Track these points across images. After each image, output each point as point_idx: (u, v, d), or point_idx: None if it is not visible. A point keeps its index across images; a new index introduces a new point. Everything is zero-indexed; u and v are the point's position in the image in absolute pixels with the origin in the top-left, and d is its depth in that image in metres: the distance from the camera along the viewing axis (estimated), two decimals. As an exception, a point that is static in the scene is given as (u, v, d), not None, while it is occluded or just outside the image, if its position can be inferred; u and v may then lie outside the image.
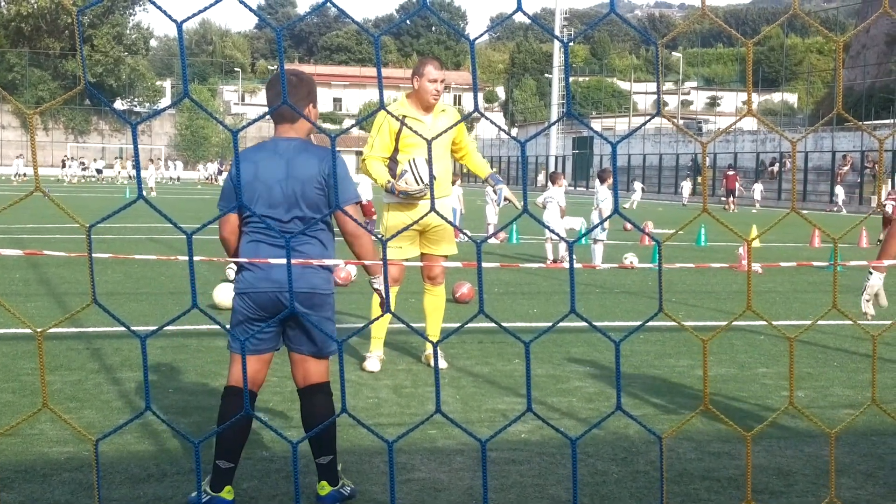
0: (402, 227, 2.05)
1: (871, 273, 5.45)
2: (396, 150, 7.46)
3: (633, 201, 46.60)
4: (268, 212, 4.45)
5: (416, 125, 7.39)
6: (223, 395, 4.56)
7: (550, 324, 2.16)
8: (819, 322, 10.00)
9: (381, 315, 2.09)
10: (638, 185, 49.05)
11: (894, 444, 5.72)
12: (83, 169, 73.74)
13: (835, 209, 45.76)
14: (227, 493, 4.39)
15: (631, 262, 15.79)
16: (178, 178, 78.40)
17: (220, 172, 74.36)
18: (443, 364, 7.70)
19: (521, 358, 8.13)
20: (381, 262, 4.85)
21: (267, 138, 4.61)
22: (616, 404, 2.08)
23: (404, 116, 7.44)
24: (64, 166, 73.05)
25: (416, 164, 7.25)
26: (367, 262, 4.78)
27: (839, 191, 47.07)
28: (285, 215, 4.48)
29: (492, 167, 9.22)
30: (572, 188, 60.81)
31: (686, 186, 52.09)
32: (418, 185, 7.27)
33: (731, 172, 47.56)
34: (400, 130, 7.38)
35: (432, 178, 2.16)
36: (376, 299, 7.84)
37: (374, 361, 7.57)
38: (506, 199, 7.78)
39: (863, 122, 55.59)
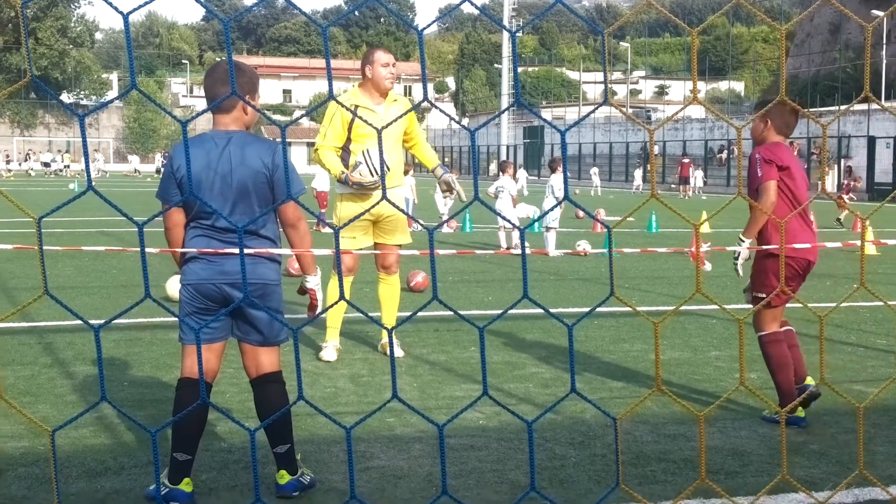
0: (355, 216, 2.05)
1: (742, 241, 6.04)
2: (349, 139, 7.44)
3: (596, 186, 46.83)
4: (214, 204, 4.40)
5: (368, 115, 7.37)
6: (177, 386, 4.53)
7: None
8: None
9: (335, 304, 2.09)
10: (595, 171, 49.27)
11: (846, 424, 5.82)
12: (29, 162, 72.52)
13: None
14: (185, 484, 4.37)
15: (584, 249, 15.88)
16: (137, 171, 77.39)
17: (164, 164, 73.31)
18: (399, 352, 7.71)
19: (477, 345, 8.16)
20: (314, 259, 4.84)
21: (206, 132, 4.54)
22: (570, 387, 2.10)
23: (356, 106, 7.42)
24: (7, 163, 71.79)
25: (370, 155, 7.23)
26: (302, 259, 4.74)
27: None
28: (233, 208, 4.43)
29: (443, 158, 9.24)
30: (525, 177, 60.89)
31: (638, 174, 52.34)
32: (373, 176, 7.25)
33: (685, 160, 47.99)
34: (353, 120, 7.35)
35: (384, 167, 2.17)
36: (332, 287, 7.82)
37: (330, 351, 7.56)
38: (446, 184, 7.70)
39: (808, 109, 56.27)
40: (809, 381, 5.96)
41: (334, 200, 7.81)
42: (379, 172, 7.25)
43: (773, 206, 5.78)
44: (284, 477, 4.48)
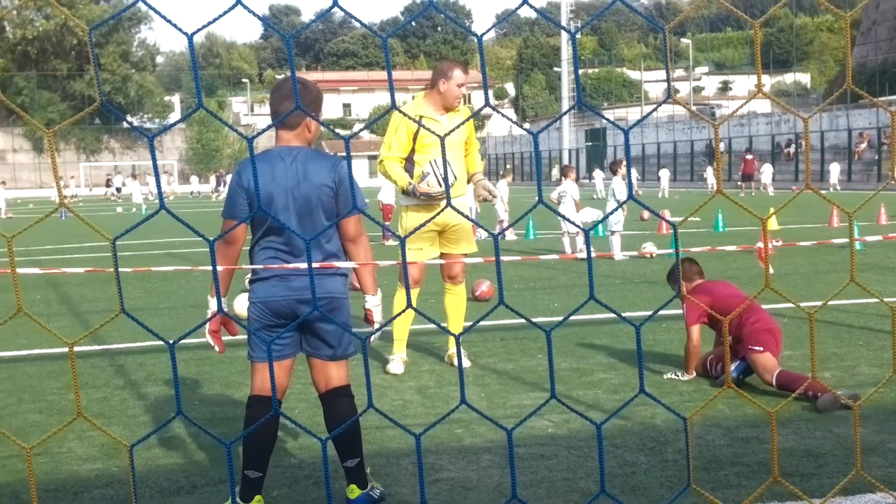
0: (420, 225, 2.04)
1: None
2: (413, 150, 7.44)
3: (663, 189, 46.39)
4: (283, 220, 4.43)
5: (433, 125, 7.36)
6: (248, 404, 4.56)
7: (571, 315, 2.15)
8: (843, 301, 9.95)
9: (401, 313, 2.09)
10: (665, 173, 48.71)
11: (924, 420, 5.68)
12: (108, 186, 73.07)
13: (830, 188, 45.19)
14: (257, 501, 4.40)
15: (650, 251, 15.75)
16: (194, 192, 78.32)
17: (219, 184, 73.38)
18: (466, 362, 7.69)
19: (545, 353, 8.12)
20: (375, 277, 4.82)
21: (271, 148, 4.57)
22: (639, 387, 2.06)
23: (421, 117, 7.42)
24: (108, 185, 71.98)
25: (437, 165, 7.21)
26: (363, 276, 4.70)
27: (833, 168, 46.35)
28: (299, 223, 4.46)
29: (504, 165, 9.23)
30: (586, 180, 60.60)
31: (711, 172, 51.27)
32: (440, 186, 7.24)
33: (749, 157, 47.34)
34: (418, 131, 7.35)
35: (447, 177, 2.15)
36: (398, 299, 7.81)
37: (397, 364, 7.56)
38: (484, 188, 7.69)
39: (877, 98, 55.29)
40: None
41: (399, 213, 7.82)
42: (448, 182, 7.22)
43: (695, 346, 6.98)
44: (355, 491, 4.49)
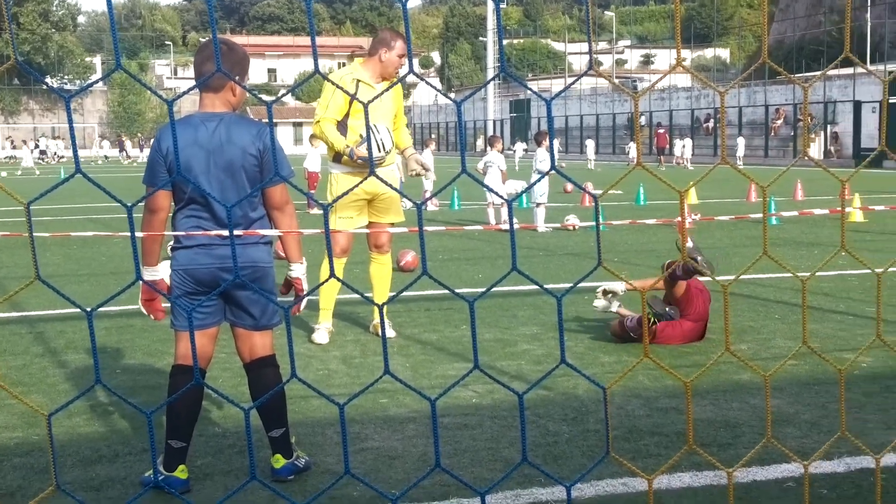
0: (345, 192, 2.05)
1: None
2: (348, 114, 7.40)
3: (590, 160, 46.86)
4: (204, 187, 4.37)
5: (369, 91, 7.34)
6: (171, 373, 4.54)
7: (496, 287, 2.18)
8: (760, 276, 10.18)
9: (325, 282, 2.10)
10: (590, 144, 49.22)
11: (837, 393, 5.85)
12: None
13: (737, 161, 46.01)
14: (180, 471, 4.38)
15: (573, 224, 15.89)
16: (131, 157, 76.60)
17: (121, 150, 71.85)
18: (391, 332, 7.72)
19: (468, 323, 8.18)
20: (300, 245, 4.78)
21: (193, 113, 4.49)
22: (560, 359, 2.11)
23: (357, 80, 7.39)
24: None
25: (379, 130, 7.19)
26: (288, 245, 4.65)
27: (740, 142, 47.09)
28: (222, 190, 4.40)
29: (430, 134, 9.25)
30: (510, 151, 60.88)
31: (633, 147, 51.90)
32: (379, 151, 7.21)
33: (661, 130, 48.04)
34: (354, 95, 7.33)
35: (374, 143, 2.15)
36: (325, 268, 7.80)
37: (322, 333, 7.57)
38: (417, 163, 7.73)
39: (794, 74, 56.28)
40: None
41: (327, 180, 7.78)
42: (386, 147, 7.22)
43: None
44: (280, 461, 4.50)
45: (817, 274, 10.17)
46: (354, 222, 7.51)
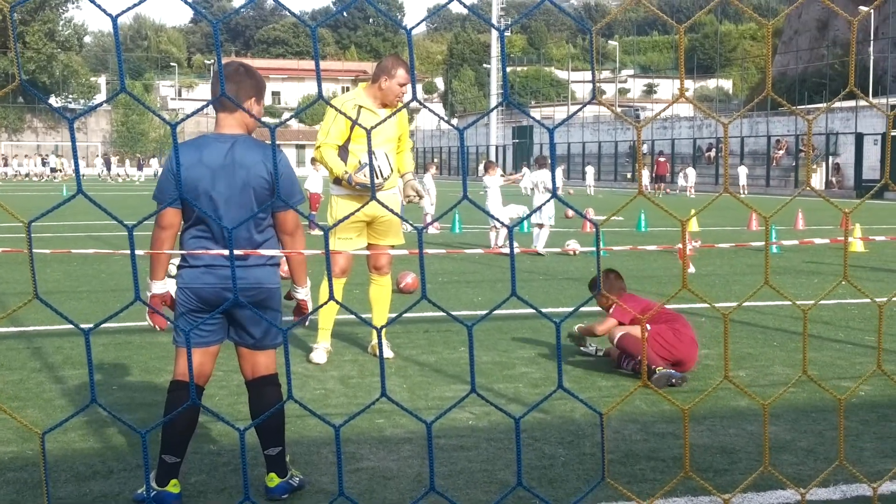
0: (347, 215, 2.05)
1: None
2: (349, 139, 7.43)
3: (589, 186, 47.04)
4: (213, 207, 4.39)
5: (371, 117, 7.36)
6: (169, 388, 4.54)
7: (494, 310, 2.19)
8: (759, 303, 10.17)
9: (324, 304, 2.10)
10: (590, 170, 49.41)
11: (834, 421, 5.84)
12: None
13: (740, 190, 46.06)
14: (172, 486, 4.37)
15: (573, 249, 15.89)
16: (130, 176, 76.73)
17: (140, 168, 73.01)
18: (389, 353, 7.71)
19: (467, 345, 8.17)
20: (305, 268, 4.80)
21: (207, 133, 4.54)
22: (558, 383, 2.11)
23: (359, 107, 7.41)
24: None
25: (377, 157, 7.20)
26: (294, 267, 4.69)
27: (741, 171, 47.12)
28: (229, 211, 4.42)
29: (432, 159, 9.26)
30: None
31: (644, 175, 51.96)
32: (378, 178, 7.22)
33: (661, 159, 48.17)
34: (356, 121, 7.34)
35: (374, 169, 2.16)
36: (325, 288, 7.80)
37: (320, 353, 7.56)
38: (413, 189, 7.72)
39: (796, 106, 56.43)
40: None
41: (329, 201, 7.79)
42: (384, 174, 7.23)
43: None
44: (274, 480, 4.49)
45: (809, 302, 10.15)
46: (353, 243, 7.52)
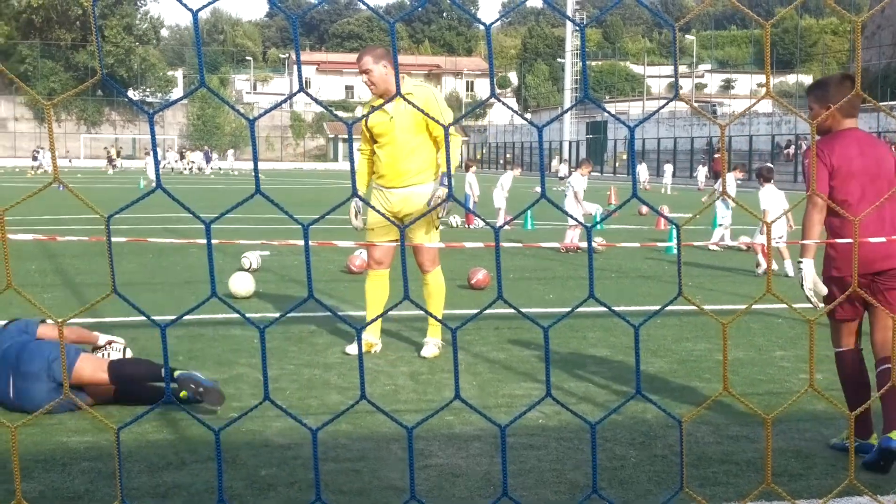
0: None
1: (801, 262, 5.18)
2: (374, 141, 7.55)
3: (666, 185, 46.55)
4: None
5: (380, 114, 7.37)
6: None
7: (567, 309, 2.15)
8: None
9: (400, 302, 2.08)
10: (669, 168, 48.81)
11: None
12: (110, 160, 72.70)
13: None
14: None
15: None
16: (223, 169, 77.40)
17: (208, 161, 72.73)
18: (434, 350, 7.59)
19: (538, 343, 8.12)
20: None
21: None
22: (636, 387, 2.06)
23: (373, 107, 7.39)
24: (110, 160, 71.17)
25: (358, 202, 7.33)
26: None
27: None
28: None
29: (504, 154, 9.23)
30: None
31: (702, 171, 51.30)
32: (355, 219, 7.54)
33: (717, 156, 47.51)
34: (366, 122, 7.47)
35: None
36: (369, 280, 7.82)
37: (354, 345, 7.53)
38: (436, 199, 7.39)
39: (879, 102, 55.22)
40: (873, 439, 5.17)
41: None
42: (362, 219, 7.55)
43: (814, 226, 5.11)
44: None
45: None
46: (375, 234, 7.59)
